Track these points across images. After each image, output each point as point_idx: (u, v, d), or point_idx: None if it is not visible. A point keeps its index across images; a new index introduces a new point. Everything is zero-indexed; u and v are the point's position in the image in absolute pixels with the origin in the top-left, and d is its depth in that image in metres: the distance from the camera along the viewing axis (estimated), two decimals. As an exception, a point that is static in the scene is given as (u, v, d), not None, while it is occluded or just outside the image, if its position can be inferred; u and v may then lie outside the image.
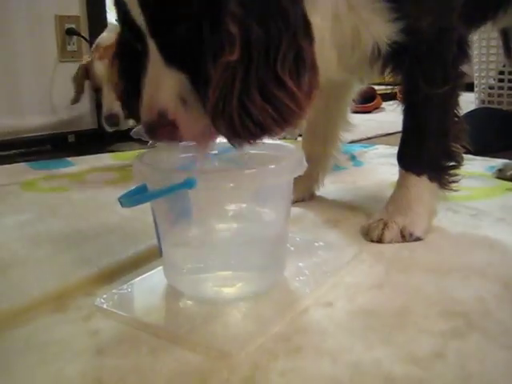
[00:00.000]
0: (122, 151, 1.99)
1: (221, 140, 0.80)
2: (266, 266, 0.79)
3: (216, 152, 0.87)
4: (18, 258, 0.95)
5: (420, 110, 0.97)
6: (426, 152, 0.99)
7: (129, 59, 0.85)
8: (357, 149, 1.78)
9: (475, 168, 1.52)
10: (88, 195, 1.35)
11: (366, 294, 0.78)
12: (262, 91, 0.68)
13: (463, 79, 0.99)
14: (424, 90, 0.94)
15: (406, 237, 0.97)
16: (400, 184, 1.02)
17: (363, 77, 1.12)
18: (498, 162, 1.57)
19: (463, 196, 1.22)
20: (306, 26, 0.72)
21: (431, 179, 0.99)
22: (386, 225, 0.98)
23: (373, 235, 0.98)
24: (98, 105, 2.20)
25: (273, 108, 0.69)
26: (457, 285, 0.80)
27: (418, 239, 0.97)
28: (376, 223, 0.99)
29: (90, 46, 2.13)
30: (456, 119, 1.00)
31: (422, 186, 0.99)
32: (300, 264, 0.87)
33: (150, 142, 2.16)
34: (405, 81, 0.98)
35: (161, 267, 0.82)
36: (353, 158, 1.65)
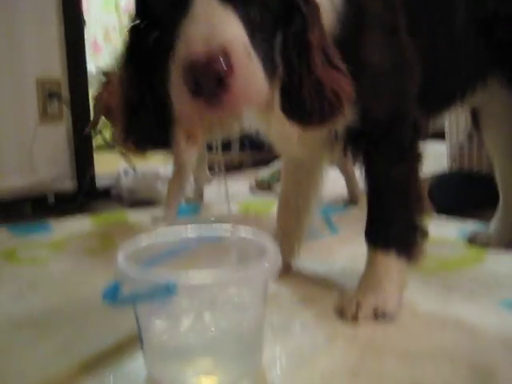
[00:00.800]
0: (101, 212, 2.01)
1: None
2: (244, 354, 0.82)
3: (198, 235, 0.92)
4: (1, 344, 0.96)
5: (381, 189, 1.02)
6: (392, 228, 1.02)
7: (136, 67, 0.82)
8: (333, 212, 1.82)
9: (448, 233, 1.57)
10: (68, 267, 1.36)
11: (341, 381, 0.81)
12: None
13: (420, 158, 1.04)
14: (382, 170, 1.00)
15: (378, 316, 1.00)
16: (369, 261, 1.06)
17: (327, 156, 1.17)
18: (471, 226, 1.63)
19: (434, 267, 1.27)
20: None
21: (399, 254, 1.02)
22: (359, 304, 1.00)
23: (347, 315, 1.00)
24: (77, 166, 2.24)
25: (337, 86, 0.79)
26: (428, 371, 0.83)
27: (391, 317, 1.00)
28: (349, 302, 1.02)
29: (71, 109, 2.18)
30: (417, 193, 1.03)
31: (390, 262, 1.02)
32: (277, 348, 0.89)
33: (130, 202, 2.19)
34: (364, 162, 1.02)
35: (140, 355, 0.84)
36: (329, 223, 1.68)
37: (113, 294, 0.76)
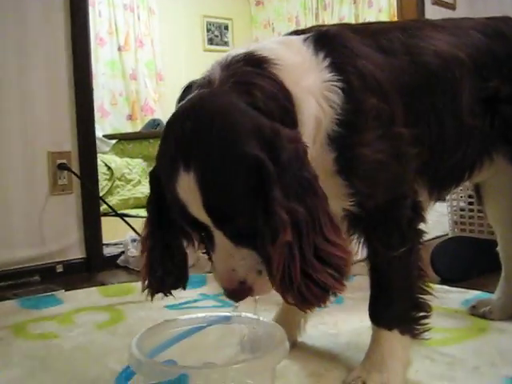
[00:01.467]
0: (110, 283, 2.04)
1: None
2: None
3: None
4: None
5: (382, 271, 1.05)
6: (395, 307, 1.05)
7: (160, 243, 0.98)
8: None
9: (450, 303, 1.59)
10: (78, 344, 1.37)
11: None
12: (318, 256, 0.81)
13: (421, 237, 1.07)
14: (383, 254, 1.03)
15: None
16: (374, 339, 1.08)
17: None
18: (473, 295, 1.65)
19: (439, 340, 1.28)
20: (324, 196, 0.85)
21: (402, 332, 1.05)
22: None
23: None
24: (85, 236, 2.28)
25: (329, 266, 0.82)
26: None
27: None
28: (355, 382, 1.03)
29: (81, 180, 2.24)
30: (419, 272, 1.06)
31: (394, 340, 1.05)
32: None
33: (136, 269, 2.22)
34: (365, 245, 1.05)
35: None
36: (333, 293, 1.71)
37: (126, 380, 0.79)
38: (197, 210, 0.81)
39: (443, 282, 1.83)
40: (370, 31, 1.10)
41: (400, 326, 1.05)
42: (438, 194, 1.22)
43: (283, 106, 0.89)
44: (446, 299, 1.62)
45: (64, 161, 2.22)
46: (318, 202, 0.83)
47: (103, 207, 2.53)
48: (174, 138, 0.83)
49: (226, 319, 1.04)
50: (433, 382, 1.09)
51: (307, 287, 0.81)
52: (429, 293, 1.07)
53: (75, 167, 2.25)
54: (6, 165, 2.10)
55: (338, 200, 0.98)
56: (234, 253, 0.85)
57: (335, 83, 0.94)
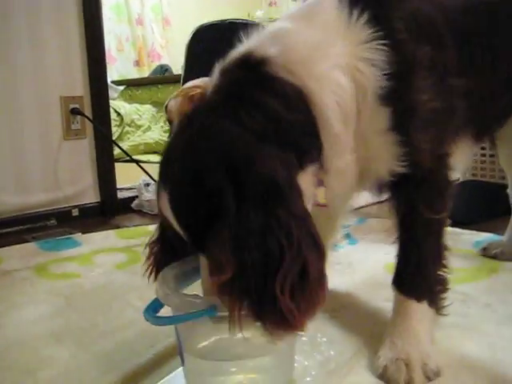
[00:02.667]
0: (125, 225, 2.08)
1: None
2: (279, 369, 0.88)
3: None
4: (43, 358, 1.02)
5: (419, 234, 0.97)
6: (427, 276, 0.98)
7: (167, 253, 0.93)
8: (350, 224, 1.88)
9: (462, 244, 1.62)
10: (99, 283, 1.42)
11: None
12: (256, 309, 0.70)
13: (451, 202, 1.00)
14: (424, 215, 0.95)
15: (429, 376, 0.90)
16: (400, 312, 0.99)
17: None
18: (484, 237, 1.68)
19: (452, 278, 1.31)
20: (313, 235, 0.74)
21: (430, 304, 0.98)
22: (408, 366, 0.90)
23: (399, 381, 0.89)
24: (100, 180, 2.31)
25: (265, 324, 0.71)
26: (449, 383, 0.88)
27: (438, 374, 0.91)
28: (395, 365, 0.91)
29: (93, 124, 2.25)
30: (445, 244, 1.01)
31: (423, 312, 0.97)
32: (306, 363, 0.95)
33: (151, 212, 2.25)
34: (404, 206, 0.98)
35: (180, 369, 0.90)
36: (347, 235, 1.74)
37: (154, 312, 0.82)
38: (175, 227, 0.79)
39: (455, 224, 1.85)
40: None
41: (429, 298, 0.98)
42: (479, 141, 1.19)
43: (285, 117, 0.80)
44: (458, 241, 1.65)
45: (77, 105, 2.22)
46: (288, 246, 0.70)
47: (115, 153, 2.54)
48: (164, 153, 0.82)
49: None
50: (446, 318, 1.12)
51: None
52: (448, 268, 1.02)
53: (88, 112, 2.26)
54: (20, 111, 2.10)
55: (386, 163, 0.92)
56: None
57: (376, 40, 0.86)
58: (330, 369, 0.93)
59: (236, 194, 0.71)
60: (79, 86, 2.25)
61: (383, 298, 1.21)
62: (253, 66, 0.84)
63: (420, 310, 0.97)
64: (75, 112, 2.21)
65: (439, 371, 0.91)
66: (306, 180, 0.82)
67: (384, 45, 0.86)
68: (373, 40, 0.86)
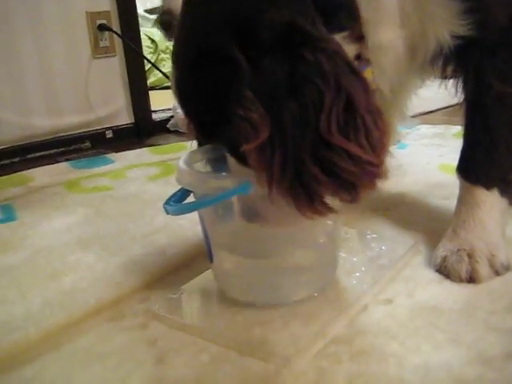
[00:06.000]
0: (160, 145, 1.99)
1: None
2: (320, 265, 0.78)
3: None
4: (69, 263, 0.95)
5: (490, 112, 0.83)
6: (498, 161, 0.85)
7: None
8: (400, 130, 1.73)
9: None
10: (131, 192, 1.34)
11: (425, 289, 0.76)
12: (317, 161, 0.60)
13: None
14: (496, 89, 0.80)
15: (498, 270, 0.79)
16: (466, 201, 0.86)
17: (424, 76, 1.02)
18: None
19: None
20: (349, 65, 0.63)
21: (502, 193, 0.85)
22: (471, 257, 0.80)
23: (460, 272, 0.79)
24: (133, 100, 2.21)
25: (335, 178, 0.60)
26: None
27: (509, 268, 0.80)
28: (456, 256, 0.81)
29: (123, 40, 2.13)
30: None
31: (493, 201, 0.85)
32: (354, 259, 0.85)
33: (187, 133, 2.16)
34: (472, 79, 0.83)
35: (210, 269, 0.81)
36: (399, 137, 1.61)
37: (174, 200, 0.72)
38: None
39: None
40: None
41: (500, 186, 0.84)
42: None
43: None
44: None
45: (104, 21, 2.10)
46: (325, 84, 0.59)
47: (150, 80, 2.44)
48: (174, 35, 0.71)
49: None
50: None
51: (306, 198, 0.61)
52: None
53: (116, 28, 2.13)
54: (45, 29, 1.99)
55: (446, 23, 0.77)
56: None
57: None
58: (382, 264, 0.83)
59: (249, 48, 0.61)
60: (105, 1, 2.12)
61: (440, 196, 1.10)
62: None
63: (489, 199, 0.84)
64: (103, 28, 2.09)
65: (510, 265, 0.79)
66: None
67: None
68: None
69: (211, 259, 0.76)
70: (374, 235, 0.93)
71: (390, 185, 1.21)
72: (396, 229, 0.97)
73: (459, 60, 0.83)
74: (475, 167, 0.86)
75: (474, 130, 0.85)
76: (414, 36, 0.80)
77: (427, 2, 0.77)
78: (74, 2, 2.04)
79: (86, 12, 2.07)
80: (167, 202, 0.73)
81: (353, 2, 0.71)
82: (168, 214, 0.72)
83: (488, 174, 0.85)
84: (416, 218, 1.02)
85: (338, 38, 0.69)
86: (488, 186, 0.84)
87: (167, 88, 2.37)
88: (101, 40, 2.11)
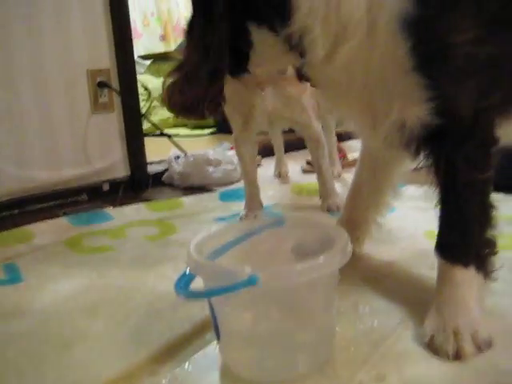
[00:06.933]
0: (156, 199, 2.05)
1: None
2: (320, 343, 0.84)
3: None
4: (79, 332, 1.00)
5: (462, 197, 0.89)
6: (472, 240, 0.91)
7: None
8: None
9: (506, 210, 1.54)
10: (132, 256, 1.39)
11: (416, 366, 0.82)
12: None
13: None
14: (467, 176, 0.87)
15: (481, 346, 0.84)
16: (446, 280, 0.92)
17: (402, 156, 1.04)
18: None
19: (500, 245, 1.25)
20: None
21: (478, 270, 0.90)
22: (456, 335, 0.84)
23: (448, 351, 0.83)
24: (129, 154, 2.28)
25: None
26: (507, 356, 0.83)
27: (490, 344, 0.85)
28: (443, 335, 0.85)
29: (121, 97, 2.21)
30: (492, 203, 0.93)
31: (471, 278, 0.90)
32: (349, 334, 0.91)
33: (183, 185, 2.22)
34: (443, 165, 0.89)
35: (214, 344, 0.87)
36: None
37: (185, 285, 0.78)
38: None
39: (498, 189, 1.77)
40: None
41: (476, 263, 0.90)
42: None
43: None
44: (504, 206, 1.57)
45: (104, 78, 2.19)
46: None
47: (145, 127, 2.51)
48: None
49: (281, 223, 0.98)
50: (496, 284, 1.06)
51: None
52: (496, 229, 0.93)
53: (115, 85, 2.22)
54: (47, 86, 2.07)
55: (412, 107, 0.83)
56: None
57: None
58: (375, 339, 0.89)
59: None
60: (105, 59, 2.20)
61: (426, 266, 1.16)
62: None
63: (468, 277, 0.90)
64: (102, 85, 2.18)
65: (491, 341, 0.85)
66: None
67: None
68: None
69: (218, 336, 0.82)
70: (367, 308, 0.99)
71: (381, 253, 1.28)
72: (387, 300, 1.03)
73: (430, 146, 0.89)
74: (452, 247, 0.92)
75: (447, 212, 0.92)
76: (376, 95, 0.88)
77: (397, 82, 0.83)
78: (76, 60, 2.13)
79: (87, 69, 2.16)
80: (178, 283, 0.78)
81: None
82: (178, 295, 0.77)
83: (465, 253, 0.91)
84: (405, 288, 1.09)
85: None
86: (465, 264, 0.90)
87: (161, 135, 2.45)
88: (100, 96, 2.19)
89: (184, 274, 0.80)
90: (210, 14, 0.93)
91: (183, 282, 0.78)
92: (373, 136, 0.97)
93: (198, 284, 0.78)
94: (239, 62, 0.98)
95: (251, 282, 0.69)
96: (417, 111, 0.84)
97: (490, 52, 0.82)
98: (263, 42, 0.93)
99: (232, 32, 0.93)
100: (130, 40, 2.27)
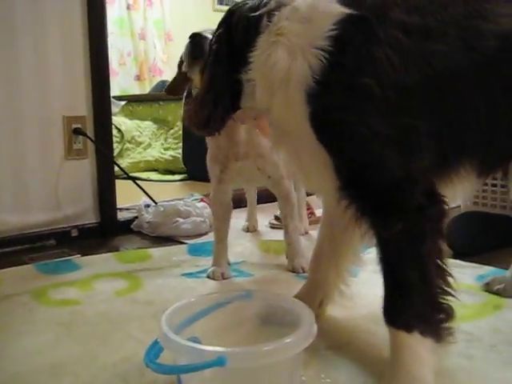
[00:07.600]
0: (125, 249, 2.06)
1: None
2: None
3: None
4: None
5: (388, 257, 0.93)
6: (411, 304, 0.91)
7: None
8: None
9: (465, 279, 1.61)
10: (99, 311, 1.40)
11: None
12: None
13: (440, 227, 0.93)
14: (383, 236, 0.91)
15: None
16: (393, 346, 0.94)
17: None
18: (487, 271, 1.67)
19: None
20: None
21: (424, 334, 0.91)
22: None
23: None
24: (100, 201, 2.30)
25: None
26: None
27: None
28: None
29: (96, 145, 2.24)
30: (441, 267, 0.94)
31: (416, 343, 0.90)
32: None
33: (151, 234, 2.23)
34: (375, 235, 0.93)
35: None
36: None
37: (155, 357, 0.81)
38: None
39: (456, 256, 1.84)
40: None
41: (420, 327, 0.91)
42: (484, 174, 1.08)
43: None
44: (460, 274, 1.63)
45: (79, 125, 2.22)
46: None
47: (116, 170, 2.53)
48: None
49: (248, 296, 1.04)
50: (451, 358, 1.10)
51: None
52: (451, 294, 0.95)
53: (90, 132, 2.25)
54: (22, 129, 2.09)
55: (324, 171, 0.93)
56: None
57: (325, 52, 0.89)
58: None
59: None
60: (82, 106, 2.24)
61: (387, 333, 1.20)
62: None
63: (411, 342, 0.90)
64: (77, 132, 2.21)
65: None
66: None
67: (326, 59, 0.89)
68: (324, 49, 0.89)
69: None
70: (328, 380, 1.03)
71: (343, 319, 1.32)
72: (348, 370, 1.06)
73: (353, 212, 0.94)
74: (393, 313, 0.94)
75: (386, 277, 0.94)
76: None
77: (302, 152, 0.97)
78: (53, 106, 2.17)
79: (63, 116, 2.19)
80: (148, 355, 0.81)
81: None
82: (148, 367, 0.80)
83: (405, 318, 0.91)
84: (366, 357, 1.12)
85: None
86: (407, 329, 0.91)
87: (128, 178, 2.45)
88: (74, 143, 2.22)
89: (154, 344, 0.83)
90: (215, 68, 1.10)
91: (152, 354, 0.81)
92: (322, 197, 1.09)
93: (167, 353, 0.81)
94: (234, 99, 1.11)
95: (220, 362, 0.72)
96: (328, 175, 0.92)
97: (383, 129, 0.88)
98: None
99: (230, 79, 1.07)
100: (108, 89, 2.32)
